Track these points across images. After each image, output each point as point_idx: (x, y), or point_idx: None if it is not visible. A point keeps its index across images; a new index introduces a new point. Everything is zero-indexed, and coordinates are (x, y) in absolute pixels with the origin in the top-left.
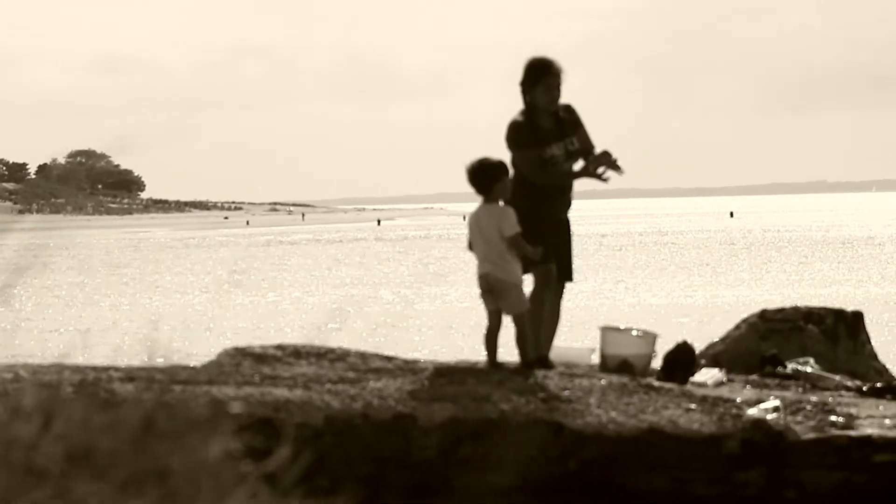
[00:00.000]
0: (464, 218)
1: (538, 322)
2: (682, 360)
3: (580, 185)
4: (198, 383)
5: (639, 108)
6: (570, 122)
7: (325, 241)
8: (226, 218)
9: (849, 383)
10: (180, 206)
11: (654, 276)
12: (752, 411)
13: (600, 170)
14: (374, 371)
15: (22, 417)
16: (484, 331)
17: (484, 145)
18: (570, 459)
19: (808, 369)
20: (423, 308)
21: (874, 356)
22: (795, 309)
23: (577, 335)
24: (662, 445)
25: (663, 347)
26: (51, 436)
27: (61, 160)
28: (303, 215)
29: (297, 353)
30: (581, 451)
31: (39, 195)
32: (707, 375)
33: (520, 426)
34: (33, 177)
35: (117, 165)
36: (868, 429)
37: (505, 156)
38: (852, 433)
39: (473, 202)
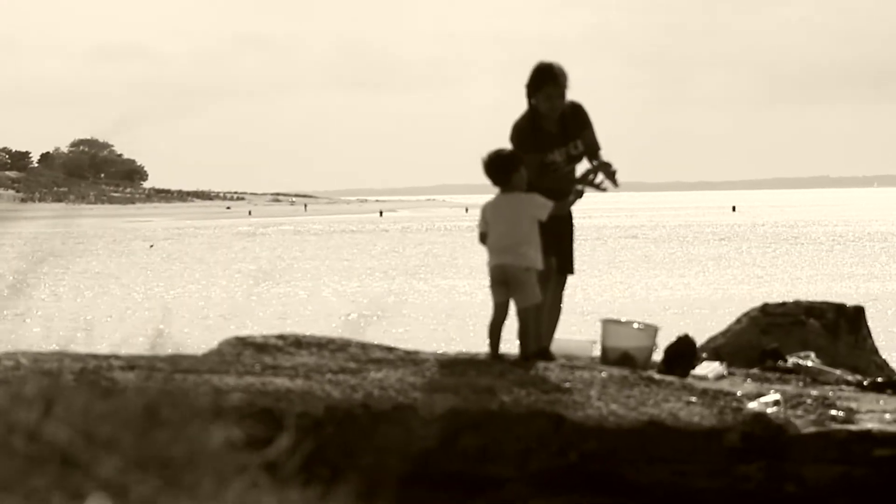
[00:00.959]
0: (466, 210)
1: (540, 314)
2: (683, 353)
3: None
4: (199, 372)
5: (641, 102)
6: (575, 124)
7: (331, 231)
8: (228, 208)
9: (849, 378)
10: (182, 196)
11: (655, 269)
12: (753, 405)
13: (598, 179)
14: (374, 361)
15: (23, 405)
16: (488, 322)
17: (485, 137)
18: (571, 451)
19: (809, 363)
20: (423, 298)
21: (875, 351)
22: (797, 303)
23: (578, 327)
24: (663, 438)
25: (664, 340)
26: (51, 423)
27: (64, 149)
28: (305, 206)
29: (298, 342)
30: (582, 444)
31: (42, 184)
32: (708, 369)
33: (520, 418)
34: (36, 165)
35: (120, 155)
36: (868, 423)
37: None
38: (852, 427)
39: (475, 194)
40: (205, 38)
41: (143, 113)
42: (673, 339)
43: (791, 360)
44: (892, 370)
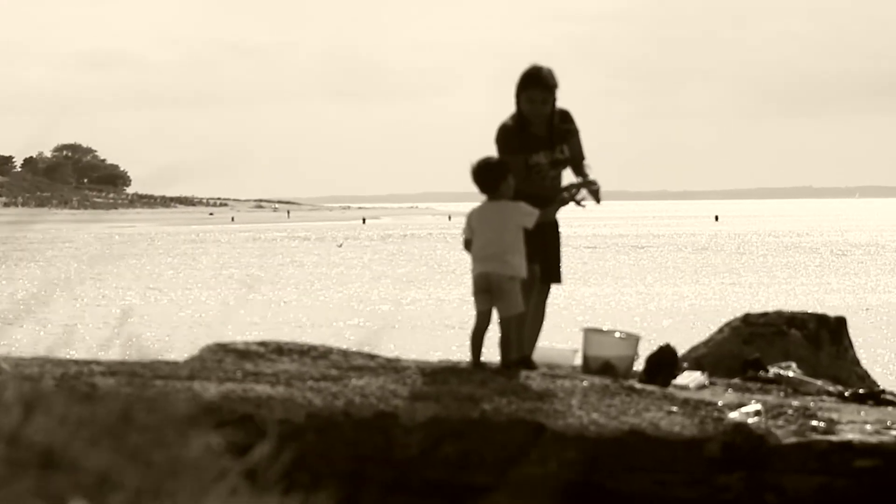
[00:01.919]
0: (449, 218)
1: (522, 323)
2: (665, 363)
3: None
4: (179, 378)
5: (626, 112)
6: (562, 131)
7: (314, 238)
8: (211, 214)
9: (830, 388)
10: (165, 202)
11: (638, 278)
12: (734, 415)
13: (580, 195)
14: (356, 369)
15: (2, 410)
16: (470, 330)
17: (470, 146)
18: (551, 460)
19: (790, 374)
20: (408, 307)
21: (856, 362)
22: (779, 313)
23: (560, 336)
24: (643, 447)
25: (646, 350)
26: (31, 428)
27: (47, 154)
28: (288, 213)
29: (279, 349)
30: (562, 452)
31: (25, 188)
32: (689, 378)
33: (501, 426)
34: (19, 170)
35: (103, 160)
36: (849, 434)
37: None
38: (833, 438)
39: (459, 202)
40: (191, 45)
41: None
42: (655, 348)
43: (772, 371)
44: (874, 381)
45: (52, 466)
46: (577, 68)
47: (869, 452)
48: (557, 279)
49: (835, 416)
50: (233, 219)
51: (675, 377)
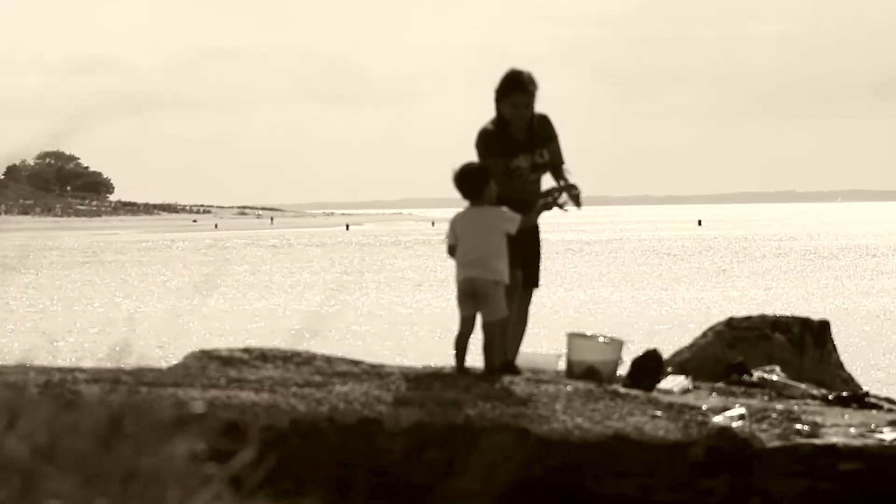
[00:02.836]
0: (433, 224)
1: (505, 328)
2: (650, 367)
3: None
4: (164, 385)
5: (609, 116)
6: (542, 134)
7: (295, 244)
8: (194, 221)
9: (814, 392)
10: (149, 209)
11: (621, 283)
12: (718, 419)
13: (561, 199)
14: (340, 375)
15: None
16: (454, 335)
17: (453, 151)
18: (536, 465)
19: (774, 377)
20: (393, 312)
21: (840, 365)
22: (762, 317)
23: (543, 341)
24: (628, 452)
25: (630, 354)
26: (16, 435)
27: (30, 161)
28: (271, 219)
29: (263, 356)
30: (546, 457)
31: (8, 196)
32: (673, 382)
33: (485, 431)
34: (1, 177)
35: (87, 167)
36: (833, 437)
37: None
38: (817, 442)
39: (442, 207)
40: (176, 50)
41: (97, 116)
42: (640, 352)
43: (756, 374)
44: (858, 384)
45: (36, 474)
46: (560, 72)
47: (853, 456)
48: (536, 283)
49: (819, 419)
50: (216, 225)
51: (659, 381)
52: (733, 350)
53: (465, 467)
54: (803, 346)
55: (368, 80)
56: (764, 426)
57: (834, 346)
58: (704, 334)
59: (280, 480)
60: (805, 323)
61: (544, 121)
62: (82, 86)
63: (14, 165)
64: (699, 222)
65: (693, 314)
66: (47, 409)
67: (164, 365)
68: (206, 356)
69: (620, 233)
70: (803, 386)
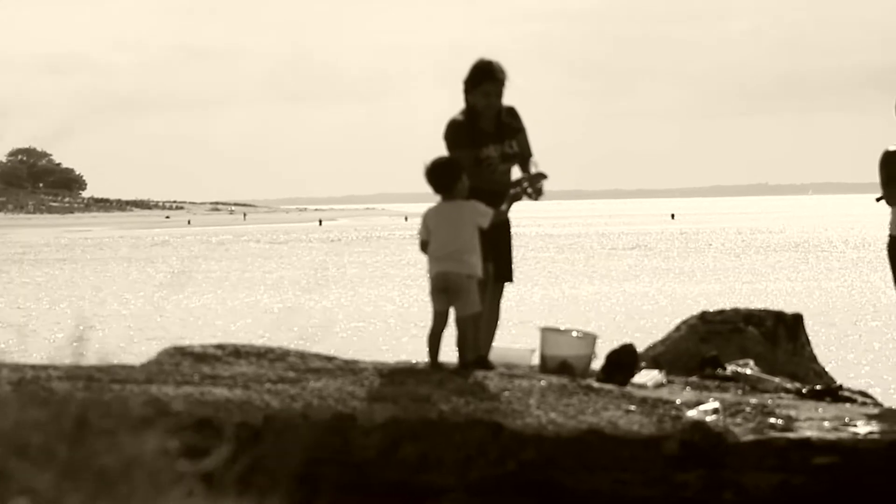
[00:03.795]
0: (406, 219)
1: (477, 323)
2: (625, 362)
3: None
4: (137, 382)
5: (582, 111)
6: (510, 126)
7: (268, 241)
8: (167, 217)
9: (788, 385)
10: (122, 205)
11: (594, 277)
12: (692, 413)
13: (529, 189)
14: (314, 371)
15: None
16: (428, 331)
17: (426, 147)
18: (510, 460)
19: (748, 371)
20: (365, 308)
21: (814, 358)
22: (735, 311)
23: (517, 336)
24: (601, 446)
25: (603, 348)
26: None
27: (2, 158)
28: (244, 215)
29: (237, 352)
30: (520, 452)
31: None
32: (647, 377)
33: (459, 427)
34: None
35: (59, 164)
36: (807, 431)
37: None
38: (791, 435)
39: (415, 202)
40: (148, 49)
41: (84, 121)
42: (615, 347)
43: (730, 368)
44: (831, 378)
45: (10, 470)
46: (532, 67)
47: (827, 449)
48: (509, 278)
49: (793, 413)
50: (189, 222)
51: (633, 376)
52: (707, 344)
53: (439, 462)
54: (777, 339)
55: (341, 77)
56: (738, 420)
57: (807, 339)
58: (678, 328)
59: (254, 477)
60: (778, 316)
61: (512, 112)
62: (56, 85)
63: None
64: (672, 216)
65: (666, 308)
66: (20, 406)
67: (136, 362)
68: (180, 353)
69: (593, 227)
70: (777, 380)
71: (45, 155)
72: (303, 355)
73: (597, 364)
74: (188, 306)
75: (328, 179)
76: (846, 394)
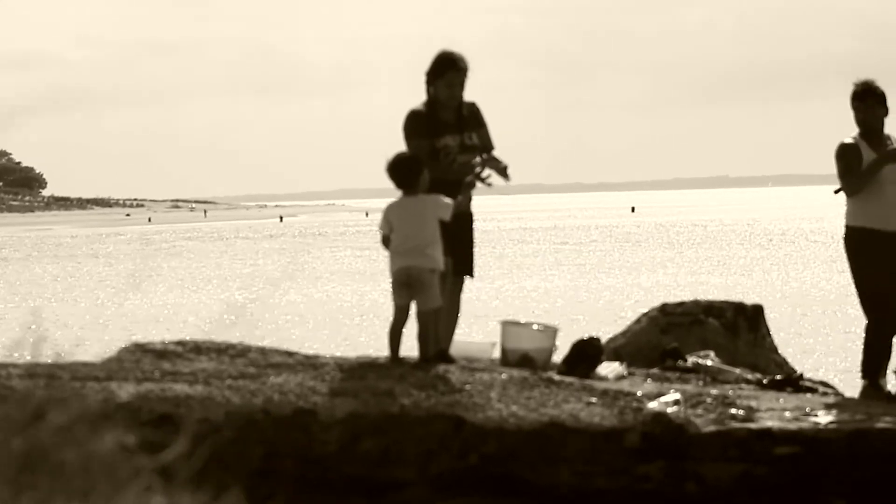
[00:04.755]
0: (367, 214)
1: (438, 317)
2: (588, 354)
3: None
4: (98, 379)
5: (541, 105)
6: (471, 119)
7: (229, 237)
8: (127, 215)
9: (749, 376)
10: (82, 204)
11: (554, 270)
12: (653, 405)
13: (485, 173)
14: (274, 366)
15: None
16: (389, 325)
17: (387, 142)
18: (471, 453)
19: (709, 362)
20: (327, 302)
21: (774, 349)
22: (696, 302)
23: (478, 329)
24: (563, 439)
25: (564, 341)
26: None
27: None
28: (205, 212)
29: (197, 348)
30: (482, 446)
31: None
32: (608, 369)
33: (420, 420)
34: None
35: (18, 163)
36: (768, 421)
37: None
38: (752, 426)
39: (376, 198)
40: (109, 45)
41: (36, 114)
42: (578, 339)
43: (691, 360)
44: (792, 368)
45: None
46: (494, 61)
47: (788, 439)
48: (470, 272)
49: (754, 403)
50: (150, 219)
51: (595, 368)
52: (667, 336)
53: (400, 457)
54: (737, 330)
55: (301, 72)
56: (699, 411)
57: (768, 329)
58: (638, 320)
59: (216, 472)
60: (738, 307)
61: (474, 107)
62: (18, 81)
63: None
64: (633, 209)
65: (627, 300)
66: None
67: (97, 359)
68: (140, 349)
69: (554, 221)
70: (738, 370)
71: (4, 154)
72: (263, 351)
73: (558, 356)
74: (148, 303)
75: (289, 175)
76: (807, 384)
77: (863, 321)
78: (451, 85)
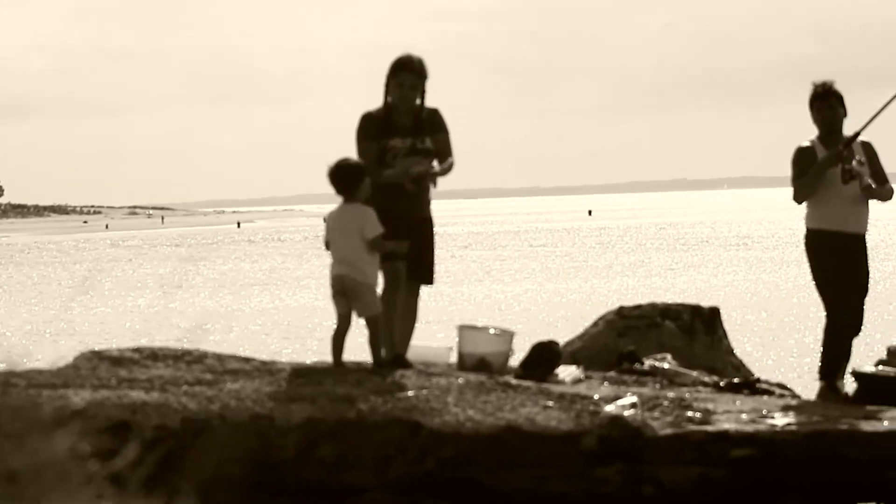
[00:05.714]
0: (324, 220)
1: (390, 322)
2: (546, 357)
3: (441, 183)
4: (54, 387)
5: (501, 110)
6: (430, 125)
7: (186, 244)
8: (85, 222)
9: (706, 379)
10: (39, 211)
11: (511, 274)
12: (610, 408)
13: (415, 170)
14: (231, 372)
15: None
16: (332, 332)
17: (344, 148)
18: (428, 458)
19: (666, 365)
20: (280, 309)
21: (731, 351)
22: (652, 305)
23: (435, 334)
24: (520, 443)
25: (521, 345)
26: None
27: None
28: (162, 218)
29: (154, 355)
30: (439, 450)
31: None
32: (565, 373)
33: (377, 425)
34: None
35: None
36: (725, 424)
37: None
38: (709, 428)
39: (333, 203)
40: (64, 53)
41: None
42: (535, 343)
43: (647, 363)
44: (749, 370)
45: None
46: (451, 67)
47: (745, 442)
48: (429, 280)
49: (710, 406)
50: (107, 226)
51: (552, 372)
52: (624, 339)
53: (357, 462)
54: (694, 333)
55: (259, 79)
56: (656, 414)
57: (724, 332)
58: (595, 324)
59: (172, 479)
60: (695, 310)
61: (434, 113)
62: None
63: None
64: (590, 212)
65: (584, 304)
66: None
67: (53, 367)
68: (97, 357)
69: (511, 225)
70: (694, 373)
71: None
72: (220, 357)
73: (515, 360)
74: (104, 310)
75: (247, 181)
76: (764, 386)
77: (820, 323)
78: (401, 86)
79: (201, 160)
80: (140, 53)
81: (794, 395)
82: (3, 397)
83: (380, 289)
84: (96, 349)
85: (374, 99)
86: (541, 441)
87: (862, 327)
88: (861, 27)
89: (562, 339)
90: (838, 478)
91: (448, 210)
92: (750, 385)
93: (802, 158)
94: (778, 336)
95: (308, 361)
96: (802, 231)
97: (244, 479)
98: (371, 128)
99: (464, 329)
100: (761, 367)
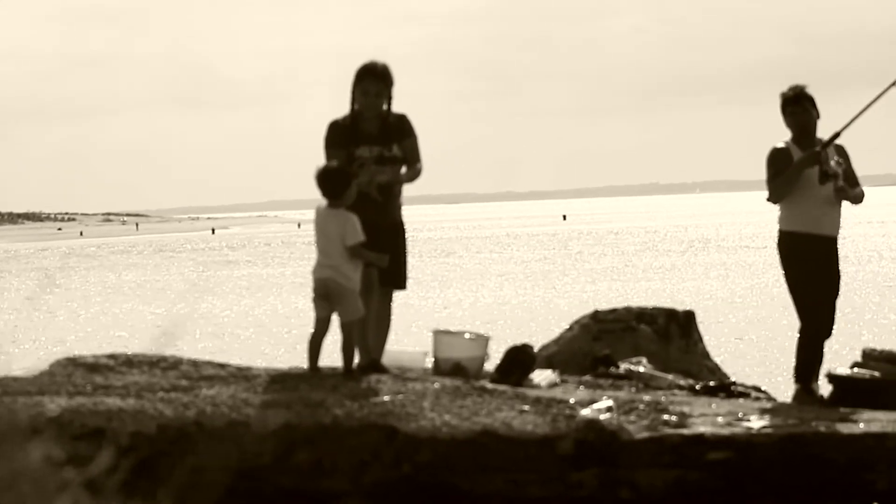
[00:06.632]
0: (299, 226)
1: (364, 328)
2: (521, 361)
3: (409, 189)
4: (29, 394)
5: (472, 113)
6: (397, 130)
7: (160, 250)
8: (59, 229)
9: (681, 382)
10: (13, 218)
11: (486, 279)
12: (586, 412)
13: (379, 178)
14: (207, 379)
15: None
16: (309, 336)
17: (317, 153)
18: (405, 463)
19: (641, 369)
20: (259, 314)
21: (706, 355)
22: (627, 309)
23: (410, 339)
24: (496, 447)
25: (496, 350)
26: None
27: None
28: (136, 225)
29: (129, 362)
30: (415, 455)
31: None
32: (540, 377)
33: (353, 431)
34: None
35: None
36: (701, 427)
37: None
38: (685, 432)
39: (308, 209)
40: (33, 58)
41: None
42: (510, 347)
43: (623, 367)
44: (724, 374)
45: None
46: (422, 70)
47: (721, 444)
48: (402, 285)
49: (686, 409)
50: (81, 233)
51: (528, 376)
52: (599, 343)
53: (333, 468)
54: (669, 336)
55: (230, 84)
56: (632, 418)
57: (700, 336)
58: (570, 328)
59: (149, 486)
60: (670, 314)
61: (401, 119)
62: None
63: None
64: (564, 217)
65: (559, 308)
66: None
67: (29, 374)
68: (72, 363)
69: (485, 230)
70: (670, 377)
71: None
72: (195, 363)
73: (491, 365)
74: (79, 317)
75: (220, 187)
76: (739, 389)
77: (795, 325)
78: (366, 93)
79: (175, 167)
80: (112, 59)
81: (770, 398)
82: None
83: None
84: (72, 356)
85: (345, 104)
86: (517, 445)
87: (833, 329)
88: (834, 30)
89: (537, 344)
90: (815, 480)
91: (421, 215)
92: (725, 388)
93: (778, 159)
94: (753, 339)
95: (284, 366)
96: (775, 233)
97: (220, 485)
98: (338, 136)
99: (439, 334)
100: (736, 370)
